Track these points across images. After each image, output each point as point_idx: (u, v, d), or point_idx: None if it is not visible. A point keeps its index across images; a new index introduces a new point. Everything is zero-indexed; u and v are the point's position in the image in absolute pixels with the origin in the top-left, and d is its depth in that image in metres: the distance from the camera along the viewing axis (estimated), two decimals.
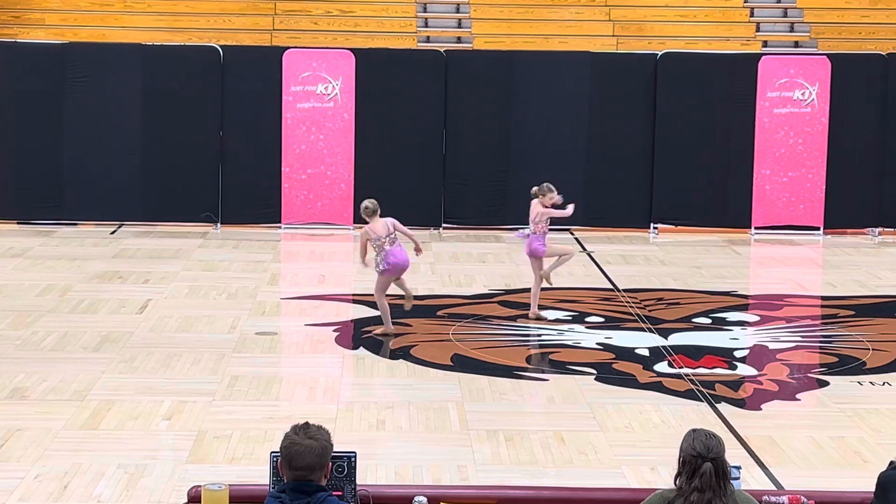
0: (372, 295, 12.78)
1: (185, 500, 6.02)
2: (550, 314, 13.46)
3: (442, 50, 19.49)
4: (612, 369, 11.54)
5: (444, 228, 18.85)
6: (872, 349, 12.40)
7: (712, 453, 5.19)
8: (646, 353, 12.12)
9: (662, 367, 11.62)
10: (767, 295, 15.05)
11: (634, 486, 8.25)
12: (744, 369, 11.70)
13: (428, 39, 21.32)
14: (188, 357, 11.58)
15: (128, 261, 16.23)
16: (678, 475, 5.24)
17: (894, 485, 5.39)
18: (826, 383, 11.23)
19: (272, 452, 5.62)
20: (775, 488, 8.20)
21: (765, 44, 21.24)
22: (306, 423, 5.25)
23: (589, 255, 17.16)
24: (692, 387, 10.92)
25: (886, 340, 12.78)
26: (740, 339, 12.89)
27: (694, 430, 5.31)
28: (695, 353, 12.04)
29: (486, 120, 18.93)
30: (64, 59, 18.65)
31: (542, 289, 13.41)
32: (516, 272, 15.63)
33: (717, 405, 10.42)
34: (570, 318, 13.43)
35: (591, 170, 18.90)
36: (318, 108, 18.69)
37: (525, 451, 9.23)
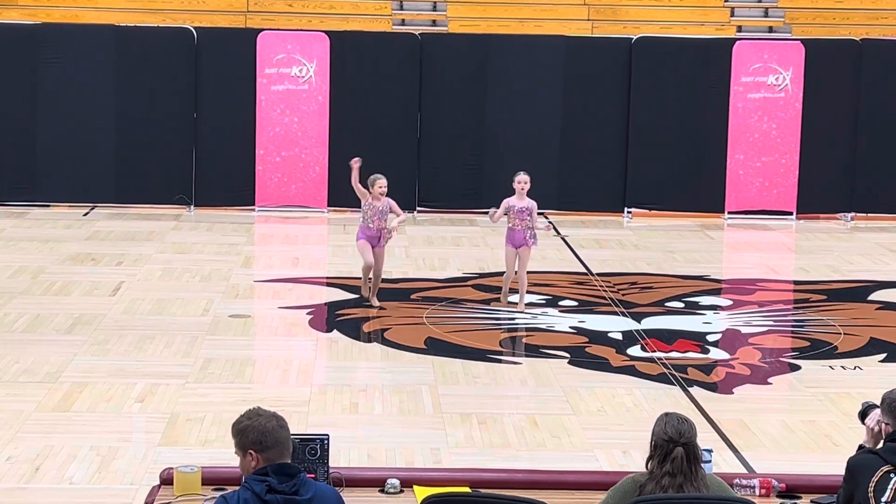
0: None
1: (158, 483, 6.01)
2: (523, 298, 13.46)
3: (417, 33, 19.44)
4: (586, 353, 11.56)
5: (419, 212, 18.83)
6: (844, 333, 12.45)
7: (684, 438, 5.21)
8: (619, 336, 12.15)
9: (635, 350, 11.65)
10: (740, 279, 15.10)
11: (607, 469, 8.29)
12: (716, 353, 11.74)
13: (403, 22, 21.26)
14: (161, 339, 11.55)
15: (101, 243, 16.16)
16: (650, 458, 5.27)
17: (863, 468, 5.42)
18: (798, 367, 11.28)
19: None
20: (746, 472, 8.23)
21: (739, 29, 21.25)
22: (257, 408, 5.09)
23: (563, 238, 17.17)
24: (665, 370, 10.95)
25: (858, 325, 12.83)
26: (713, 323, 12.93)
27: (666, 414, 5.33)
28: (668, 337, 12.07)
29: (461, 103, 18.90)
30: (36, 39, 18.52)
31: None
32: (490, 256, 15.63)
33: (690, 389, 10.46)
34: (543, 301, 13.45)
35: (565, 154, 18.90)
36: (293, 91, 18.62)
37: (498, 435, 9.24)
